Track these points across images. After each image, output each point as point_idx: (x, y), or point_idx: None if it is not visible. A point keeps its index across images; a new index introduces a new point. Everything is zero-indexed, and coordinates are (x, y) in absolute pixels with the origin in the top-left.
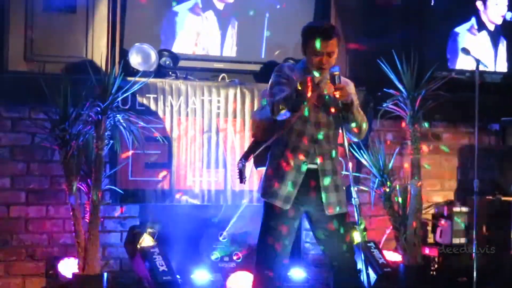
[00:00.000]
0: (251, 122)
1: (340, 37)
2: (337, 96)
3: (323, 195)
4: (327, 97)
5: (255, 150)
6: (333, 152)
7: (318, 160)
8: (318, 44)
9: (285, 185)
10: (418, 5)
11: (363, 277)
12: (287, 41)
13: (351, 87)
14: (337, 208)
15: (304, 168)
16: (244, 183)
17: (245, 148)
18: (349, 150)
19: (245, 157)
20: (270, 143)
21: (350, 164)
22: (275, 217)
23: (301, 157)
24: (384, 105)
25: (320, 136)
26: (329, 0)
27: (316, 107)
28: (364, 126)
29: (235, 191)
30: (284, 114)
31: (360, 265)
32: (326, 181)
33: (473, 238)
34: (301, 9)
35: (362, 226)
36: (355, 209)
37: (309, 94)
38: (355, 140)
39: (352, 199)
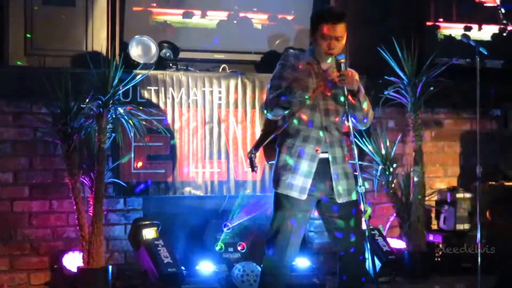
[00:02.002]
0: (260, 114)
1: (347, 22)
2: (342, 83)
3: (334, 183)
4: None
5: (265, 140)
6: (343, 139)
7: (329, 148)
8: (327, 28)
9: (300, 175)
10: None
11: (369, 265)
12: (287, 30)
13: (354, 74)
14: (348, 196)
15: (317, 157)
16: (256, 171)
17: (248, 139)
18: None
19: (255, 147)
20: (280, 133)
21: (355, 152)
22: (290, 208)
23: (313, 145)
24: (386, 92)
25: (330, 124)
26: None
27: (325, 95)
28: (371, 115)
29: (238, 181)
30: (279, 113)
31: (365, 253)
32: (337, 169)
33: (476, 224)
34: (300, 1)
35: (368, 213)
36: (360, 197)
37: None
38: (361, 128)
39: (358, 187)
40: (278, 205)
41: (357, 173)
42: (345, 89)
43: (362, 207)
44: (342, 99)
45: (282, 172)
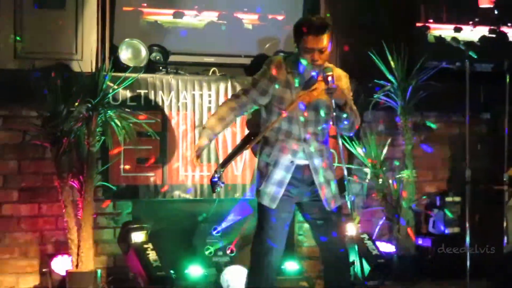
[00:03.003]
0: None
1: (332, 31)
2: (330, 96)
3: (320, 192)
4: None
5: (236, 154)
6: (323, 148)
7: (308, 159)
8: (309, 40)
9: (273, 184)
10: None
11: (357, 269)
12: (278, 31)
13: (345, 81)
14: (335, 203)
15: (291, 167)
16: (215, 191)
17: (238, 142)
18: (342, 143)
19: (222, 164)
20: (257, 143)
21: (342, 156)
22: (267, 215)
23: (289, 156)
24: (375, 96)
25: (309, 135)
26: None
27: (304, 106)
28: (356, 123)
29: (227, 185)
30: None
31: (353, 257)
32: (319, 178)
33: (466, 228)
34: (290, 3)
35: (356, 221)
36: (348, 203)
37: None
38: (346, 134)
39: (346, 194)
40: (257, 211)
41: (343, 180)
42: (333, 102)
43: (350, 212)
44: (322, 111)
45: (259, 180)
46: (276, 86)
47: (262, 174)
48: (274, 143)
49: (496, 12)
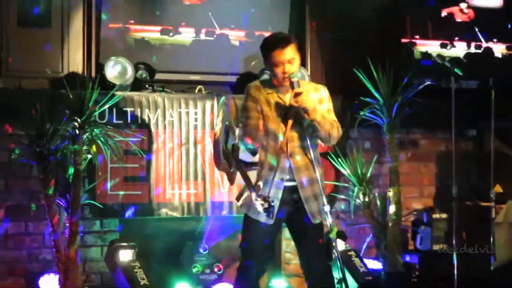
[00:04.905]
0: None
1: (297, 42)
2: (297, 102)
3: (306, 206)
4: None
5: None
6: (310, 163)
7: (295, 175)
8: (276, 55)
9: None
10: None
11: (343, 286)
12: None
13: (323, 92)
14: (320, 216)
15: (282, 183)
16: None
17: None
18: (325, 158)
19: (252, 189)
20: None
21: (318, 174)
22: (255, 230)
23: (278, 174)
24: (361, 113)
25: (294, 150)
26: (304, 11)
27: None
28: (334, 133)
29: (214, 202)
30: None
31: (337, 274)
32: (306, 192)
33: (453, 244)
34: (276, 20)
35: (334, 232)
36: (326, 215)
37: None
38: (326, 145)
39: (322, 206)
40: (244, 226)
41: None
42: (301, 109)
43: (328, 225)
44: (306, 122)
45: (249, 197)
46: (259, 107)
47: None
48: (263, 162)
49: (476, 28)
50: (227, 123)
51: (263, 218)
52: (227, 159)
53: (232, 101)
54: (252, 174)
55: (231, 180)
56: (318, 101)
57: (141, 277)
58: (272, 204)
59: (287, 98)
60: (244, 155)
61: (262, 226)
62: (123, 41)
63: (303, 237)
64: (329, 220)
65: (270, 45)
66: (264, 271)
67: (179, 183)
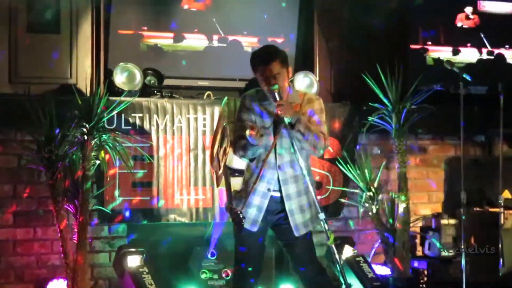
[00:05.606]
0: None
1: (282, 57)
2: (279, 112)
3: (290, 219)
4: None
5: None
6: (299, 174)
7: (282, 186)
8: (260, 70)
9: (253, 209)
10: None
11: None
12: None
13: (317, 103)
14: (305, 229)
15: (268, 194)
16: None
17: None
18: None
19: (229, 201)
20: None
21: (309, 184)
22: (243, 238)
23: (265, 184)
24: (370, 119)
25: (284, 162)
26: (313, 17)
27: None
28: (320, 144)
29: (223, 208)
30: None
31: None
32: (292, 204)
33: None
34: (285, 26)
35: (331, 240)
36: (322, 223)
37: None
38: (315, 156)
39: (318, 214)
40: (234, 235)
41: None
42: (285, 120)
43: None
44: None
45: (237, 203)
46: (252, 116)
47: (242, 199)
48: (252, 171)
49: (487, 34)
50: (224, 124)
51: (247, 225)
52: (218, 160)
53: (232, 102)
54: (238, 181)
55: (217, 181)
56: (314, 111)
57: (149, 283)
58: (242, 218)
59: None
60: (236, 161)
61: (247, 234)
62: (134, 47)
63: (292, 247)
64: (325, 227)
65: (255, 61)
66: (259, 273)
67: (187, 188)
